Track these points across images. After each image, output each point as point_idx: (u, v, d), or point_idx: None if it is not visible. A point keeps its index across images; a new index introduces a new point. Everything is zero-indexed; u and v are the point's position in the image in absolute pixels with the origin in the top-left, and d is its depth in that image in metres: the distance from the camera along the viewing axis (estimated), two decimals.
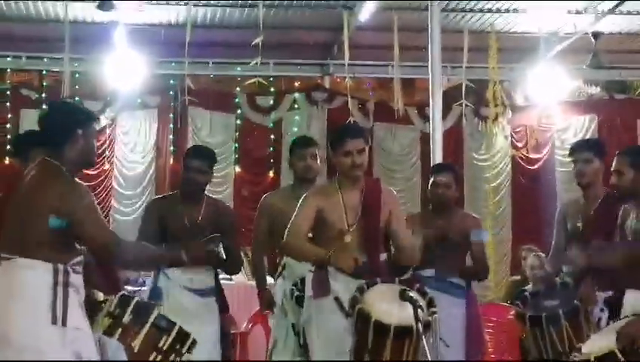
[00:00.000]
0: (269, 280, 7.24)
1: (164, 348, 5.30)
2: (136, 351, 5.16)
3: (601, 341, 5.32)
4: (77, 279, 4.70)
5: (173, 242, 6.62)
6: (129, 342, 5.18)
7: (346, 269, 5.56)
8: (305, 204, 5.84)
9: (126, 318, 5.22)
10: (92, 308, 5.07)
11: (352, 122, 12.87)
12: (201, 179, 6.88)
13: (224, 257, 6.27)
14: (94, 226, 4.77)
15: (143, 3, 12.03)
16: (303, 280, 6.00)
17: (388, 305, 5.24)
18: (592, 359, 5.13)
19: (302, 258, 5.98)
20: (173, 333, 5.34)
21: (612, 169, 6.24)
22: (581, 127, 15.38)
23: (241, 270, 7.33)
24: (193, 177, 6.83)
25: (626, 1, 12.14)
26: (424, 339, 4.98)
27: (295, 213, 5.84)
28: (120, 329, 5.20)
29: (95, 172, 14.06)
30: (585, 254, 6.22)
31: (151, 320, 5.27)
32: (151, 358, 5.24)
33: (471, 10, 12.76)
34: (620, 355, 5.03)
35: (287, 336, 6.33)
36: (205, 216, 6.86)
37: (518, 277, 11.49)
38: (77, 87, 14.10)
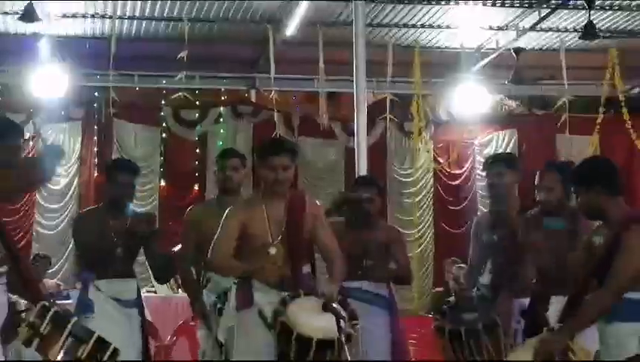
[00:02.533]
0: None
1: (82, 357, 5.25)
2: (53, 360, 5.11)
3: (518, 357, 5.41)
4: None
5: (102, 256, 6.67)
6: (46, 352, 5.13)
7: (271, 282, 5.60)
8: (228, 219, 5.84)
9: (44, 328, 5.16)
10: (15, 318, 5.02)
11: (278, 137, 12.90)
12: (130, 193, 6.92)
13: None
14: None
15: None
16: (226, 293, 6.01)
17: (310, 318, 5.27)
18: None
19: (228, 275, 5.99)
20: (91, 342, 5.29)
21: (541, 184, 6.37)
22: (502, 141, 15.62)
23: (171, 278, 7.32)
24: (124, 192, 6.86)
25: (546, 19, 12.36)
26: (346, 351, 5.03)
27: (219, 230, 5.83)
28: (38, 339, 5.15)
29: None
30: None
31: (68, 329, 5.23)
32: None
33: (395, 25, 12.90)
34: None
35: (214, 348, 6.33)
36: (130, 229, 6.89)
37: (441, 289, 11.62)
38: (0, 98, 13.92)
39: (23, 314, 5.29)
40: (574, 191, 5.43)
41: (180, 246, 7.19)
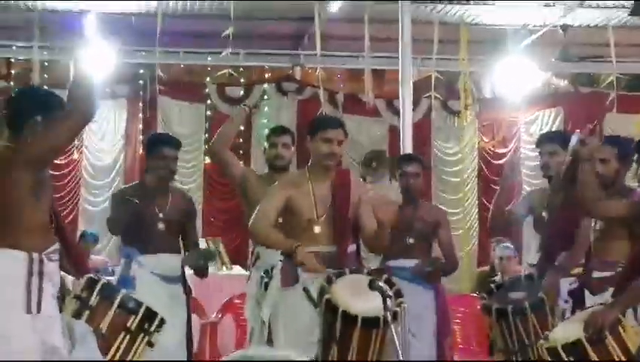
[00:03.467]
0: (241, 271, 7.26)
1: (132, 328, 5.30)
2: (104, 332, 5.16)
3: (567, 329, 5.36)
4: (52, 267, 4.66)
5: (145, 231, 6.71)
6: (97, 324, 5.18)
7: (309, 269, 5.58)
8: (274, 192, 5.86)
9: (93, 300, 5.21)
10: (61, 291, 5.06)
11: (325, 114, 12.88)
12: (175, 168, 6.96)
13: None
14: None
15: None
16: (273, 268, 6.01)
17: (355, 296, 5.28)
18: (560, 347, 5.17)
19: (268, 245, 5.99)
20: (141, 313, 5.34)
21: (599, 157, 6.24)
22: (547, 120, 15.48)
23: (207, 271, 7.34)
24: (168, 166, 6.88)
25: None
26: (392, 329, 5.01)
27: (264, 200, 5.85)
28: (87, 312, 5.20)
29: (64, 161, 14.02)
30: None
31: (117, 301, 5.28)
32: (120, 339, 5.25)
33: (441, 2, 12.80)
34: (586, 343, 5.08)
35: (263, 325, 6.35)
36: (173, 204, 6.94)
37: (486, 268, 11.57)
38: (46, 75, 14.01)
39: (70, 287, 5.34)
40: (638, 162, 5.33)
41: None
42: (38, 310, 4.53)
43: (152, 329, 5.40)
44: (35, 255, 4.56)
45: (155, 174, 6.95)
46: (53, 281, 4.66)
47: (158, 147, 6.96)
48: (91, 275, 5.36)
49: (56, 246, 4.72)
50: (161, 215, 6.87)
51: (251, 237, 6.41)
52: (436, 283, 7.34)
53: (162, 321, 5.46)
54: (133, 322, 5.32)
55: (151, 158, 6.99)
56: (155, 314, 5.40)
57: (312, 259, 5.56)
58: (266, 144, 7.13)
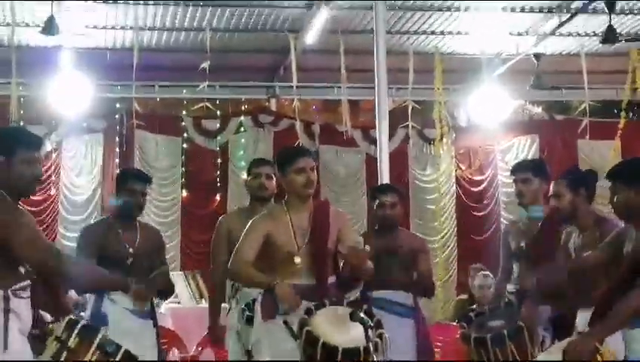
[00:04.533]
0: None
1: None
2: None
3: (547, 360, 5.40)
4: (18, 304, 4.64)
5: (113, 267, 6.68)
6: None
7: (286, 309, 5.60)
8: (252, 229, 5.84)
9: (72, 342, 5.18)
10: (42, 332, 5.04)
11: (299, 145, 12.92)
12: (142, 203, 6.94)
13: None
14: (31, 244, 4.71)
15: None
16: (254, 301, 6.01)
17: (336, 327, 5.27)
18: None
19: (248, 285, 5.99)
20: (119, 356, 5.30)
21: (550, 193, 6.44)
22: (523, 147, 15.58)
23: (171, 295, 7.33)
24: (136, 201, 6.87)
25: (567, 23, 12.33)
26: (374, 359, 5.02)
27: (241, 239, 5.84)
28: (66, 353, 5.16)
29: (41, 197, 13.98)
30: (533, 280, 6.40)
31: (96, 343, 5.24)
32: None
33: (416, 32, 12.90)
34: None
35: (247, 355, 6.32)
36: (142, 239, 6.92)
37: (465, 296, 11.58)
38: (22, 111, 13.97)
39: (50, 326, 5.30)
40: (612, 188, 5.41)
41: (212, 257, 7.15)
42: (5, 347, 4.52)
43: None
44: (0, 291, 4.55)
45: (122, 209, 6.94)
46: (20, 318, 4.64)
47: (126, 181, 6.96)
48: (72, 316, 5.32)
49: (25, 283, 4.71)
50: (130, 250, 6.85)
51: (230, 277, 6.38)
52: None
53: None
54: None
55: (119, 192, 6.98)
56: (134, 357, 5.36)
57: (290, 296, 5.56)
58: (246, 176, 7.15)
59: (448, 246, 15.36)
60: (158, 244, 7.13)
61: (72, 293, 12.21)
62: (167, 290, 7.16)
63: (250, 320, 5.97)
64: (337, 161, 15.45)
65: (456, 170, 15.49)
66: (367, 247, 5.74)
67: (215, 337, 6.84)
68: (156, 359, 6.86)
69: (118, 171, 14.26)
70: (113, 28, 12.45)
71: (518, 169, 7.27)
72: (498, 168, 15.57)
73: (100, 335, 5.25)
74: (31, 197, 5.34)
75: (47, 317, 5.48)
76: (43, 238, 5.05)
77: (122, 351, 5.29)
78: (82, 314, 6.81)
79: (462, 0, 11.84)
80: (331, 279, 5.92)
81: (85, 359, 5.15)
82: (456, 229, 15.52)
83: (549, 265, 6.50)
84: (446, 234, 15.31)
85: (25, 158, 4.82)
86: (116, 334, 5.88)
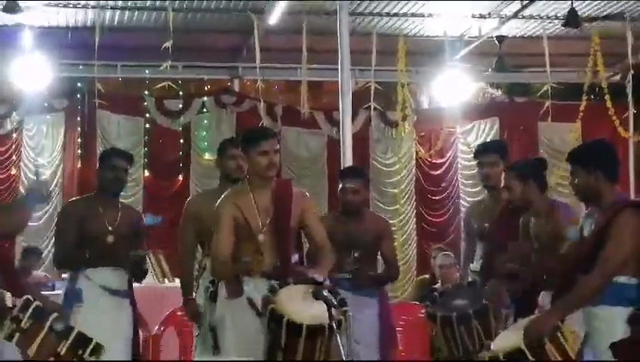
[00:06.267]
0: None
1: (62, 352, 5.22)
2: (31, 355, 5.09)
3: (508, 338, 5.48)
4: None
5: (92, 245, 6.70)
6: (26, 347, 5.11)
7: (260, 271, 5.65)
8: (222, 216, 5.85)
9: (24, 323, 5.14)
10: (1, 313, 5.02)
11: (261, 126, 12.91)
12: (125, 179, 6.99)
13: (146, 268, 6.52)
14: None
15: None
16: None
17: (300, 305, 5.30)
18: (501, 356, 5.28)
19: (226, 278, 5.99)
20: (72, 338, 5.26)
21: (502, 186, 6.54)
22: (483, 130, 15.64)
23: (145, 276, 7.34)
24: (118, 176, 6.89)
25: (529, 6, 12.40)
26: (337, 337, 5.05)
27: (216, 232, 5.86)
28: (18, 334, 5.13)
29: (1, 177, 13.88)
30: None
31: (47, 324, 5.20)
32: None
33: (379, 14, 12.91)
34: (527, 352, 5.19)
35: (207, 335, 6.34)
36: (123, 219, 6.94)
37: (426, 276, 11.66)
38: None
39: (10, 305, 5.27)
40: (572, 171, 5.47)
41: (179, 239, 7.13)
42: None
43: (86, 354, 5.31)
44: None
45: (104, 186, 6.97)
46: None
47: (110, 158, 7.01)
48: (28, 296, 5.29)
49: None
50: (110, 228, 6.87)
51: (212, 274, 6.36)
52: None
53: (98, 347, 5.37)
54: (63, 347, 5.23)
55: (101, 170, 7.01)
56: (89, 339, 5.31)
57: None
58: (215, 156, 7.14)
59: (408, 228, 15.43)
60: (137, 225, 7.13)
61: (37, 273, 12.26)
62: (141, 272, 7.14)
63: (214, 297, 5.98)
64: (299, 143, 15.46)
65: (417, 153, 15.54)
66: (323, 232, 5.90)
67: (192, 313, 6.83)
68: (130, 338, 6.90)
69: (80, 151, 14.33)
70: (75, 7, 12.32)
71: (484, 151, 7.33)
72: (458, 151, 15.63)
73: (52, 317, 5.21)
74: None
75: (8, 295, 5.45)
76: None
77: (75, 332, 5.26)
78: (50, 293, 6.82)
79: None
80: (294, 257, 5.97)
81: (36, 340, 5.12)
82: (415, 211, 15.59)
83: (513, 246, 6.59)
84: (405, 216, 15.38)
85: None
86: (91, 311, 5.90)
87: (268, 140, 5.86)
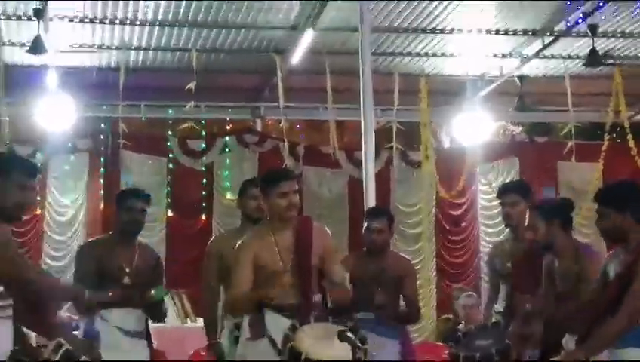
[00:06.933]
0: None
1: None
2: None
3: None
4: None
5: (110, 286, 6.70)
6: None
7: (281, 309, 5.65)
8: (240, 256, 5.88)
9: None
10: (32, 354, 5.03)
11: (283, 167, 12.95)
12: (142, 220, 6.96)
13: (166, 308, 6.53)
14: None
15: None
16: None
17: (320, 343, 5.30)
18: None
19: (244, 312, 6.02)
20: None
21: (526, 225, 6.50)
22: (503, 169, 15.56)
23: (164, 318, 7.34)
24: (135, 218, 6.91)
25: (549, 47, 12.43)
26: None
27: (234, 271, 5.89)
28: None
29: (26, 217, 13.95)
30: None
31: None
32: None
33: (400, 54, 12.96)
34: None
35: None
36: (140, 259, 6.95)
37: (449, 316, 11.62)
38: (7, 130, 13.92)
39: (42, 349, 5.30)
40: (599, 211, 5.45)
41: (202, 279, 7.15)
42: None
43: None
44: None
45: (122, 227, 6.99)
46: None
47: (126, 199, 7.01)
48: (60, 339, 5.32)
49: (4, 302, 4.71)
50: (127, 269, 6.87)
51: (229, 311, 6.36)
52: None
53: None
54: None
55: (119, 211, 7.02)
56: None
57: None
58: (237, 196, 7.17)
59: (428, 268, 15.36)
60: (155, 265, 7.14)
61: (61, 313, 12.27)
62: (159, 313, 7.14)
63: (237, 340, 6.00)
64: (321, 183, 15.46)
65: (437, 193, 15.49)
66: (347, 274, 5.83)
67: (217, 356, 6.84)
68: None
69: (102, 192, 14.37)
70: (100, 47, 12.45)
71: (505, 192, 7.36)
72: (478, 190, 15.58)
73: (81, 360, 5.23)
74: None
75: (32, 336, 5.48)
76: (20, 259, 5.06)
77: None
78: (75, 332, 6.82)
79: (446, 22, 11.91)
80: (316, 297, 5.97)
81: None
82: (435, 251, 15.52)
83: (538, 290, 6.56)
84: (426, 256, 15.31)
85: (19, 184, 4.87)
86: (108, 352, 5.90)
87: (287, 181, 5.91)
